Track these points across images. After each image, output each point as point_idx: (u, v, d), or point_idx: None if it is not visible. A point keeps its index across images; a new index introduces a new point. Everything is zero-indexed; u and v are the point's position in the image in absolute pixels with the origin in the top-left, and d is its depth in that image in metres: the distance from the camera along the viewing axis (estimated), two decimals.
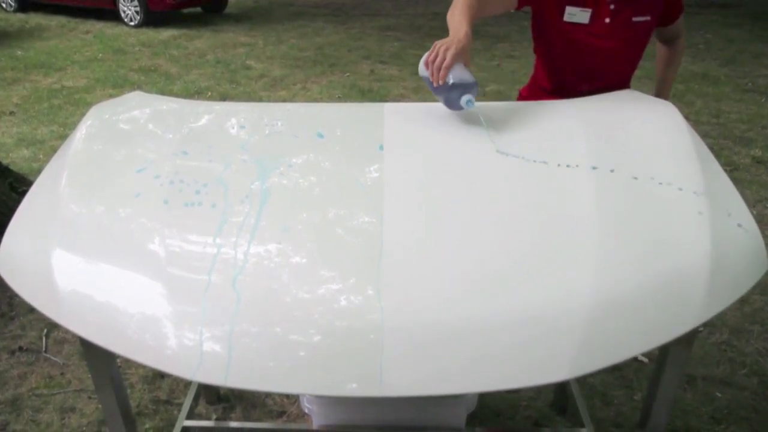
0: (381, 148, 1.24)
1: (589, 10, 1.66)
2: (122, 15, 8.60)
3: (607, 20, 1.67)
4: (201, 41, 7.64)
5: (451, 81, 1.27)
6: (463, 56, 1.31)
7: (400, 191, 1.13)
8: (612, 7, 1.66)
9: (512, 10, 1.75)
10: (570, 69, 1.80)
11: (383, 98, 5.26)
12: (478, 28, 8.25)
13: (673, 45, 1.89)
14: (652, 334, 0.95)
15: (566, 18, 1.68)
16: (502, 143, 1.27)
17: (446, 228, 1.06)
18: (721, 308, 1.00)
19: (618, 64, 1.77)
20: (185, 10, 9.36)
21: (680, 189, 1.13)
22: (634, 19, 1.68)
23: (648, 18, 1.70)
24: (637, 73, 1.83)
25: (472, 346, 0.91)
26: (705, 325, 2.32)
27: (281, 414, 1.99)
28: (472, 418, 1.81)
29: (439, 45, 1.31)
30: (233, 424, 1.90)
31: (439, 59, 1.29)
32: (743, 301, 2.50)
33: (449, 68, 1.28)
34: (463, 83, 1.27)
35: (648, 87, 1.88)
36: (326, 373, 0.90)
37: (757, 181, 3.64)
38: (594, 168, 1.17)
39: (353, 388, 0.89)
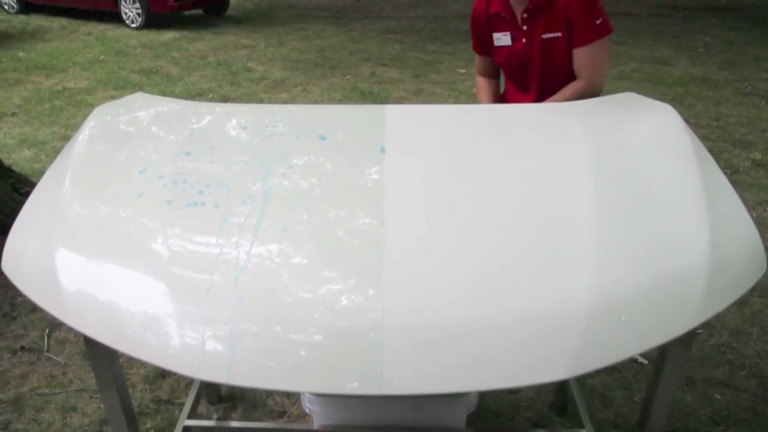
0: (382, 150, 1.25)
1: (508, 33, 1.84)
2: (124, 17, 8.62)
3: (524, 40, 1.83)
4: (202, 43, 7.66)
5: None
6: None
7: (401, 192, 1.14)
8: (524, 27, 1.80)
9: (494, 60, 1.98)
10: (517, 85, 1.97)
11: (384, 100, 5.27)
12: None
13: (575, 81, 1.82)
14: (650, 334, 0.95)
15: (495, 43, 1.90)
16: (502, 144, 1.28)
17: (447, 228, 1.06)
18: (719, 309, 1.01)
19: (557, 79, 1.85)
20: (186, 12, 9.38)
21: (679, 190, 1.14)
22: (544, 36, 1.78)
23: (558, 34, 1.77)
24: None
25: (471, 345, 0.91)
26: (704, 326, 2.32)
27: (282, 414, 2.00)
28: (472, 419, 1.82)
29: None
30: (234, 423, 1.91)
31: None
32: (743, 303, 2.51)
33: None
34: None
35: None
36: (327, 372, 0.90)
37: (757, 184, 3.65)
38: (593, 169, 1.18)
39: (354, 386, 0.89)
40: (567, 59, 1.80)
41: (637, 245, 1.04)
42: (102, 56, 6.94)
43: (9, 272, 1.11)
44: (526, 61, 1.86)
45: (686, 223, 1.07)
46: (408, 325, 0.93)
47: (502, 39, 1.88)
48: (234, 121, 1.38)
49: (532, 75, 1.89)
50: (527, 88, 1.93)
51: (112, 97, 5.10)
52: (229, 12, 9.84)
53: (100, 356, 1.15)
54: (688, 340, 1.11)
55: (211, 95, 5.52)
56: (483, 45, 1.98)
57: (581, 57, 1.78)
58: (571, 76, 1.83)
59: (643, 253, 1.03)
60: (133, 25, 8.56)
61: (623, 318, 0.95)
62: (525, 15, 1.79)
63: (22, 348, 2.30)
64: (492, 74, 2.07)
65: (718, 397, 2.05)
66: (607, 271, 0.99)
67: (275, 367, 0.91)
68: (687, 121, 1.34)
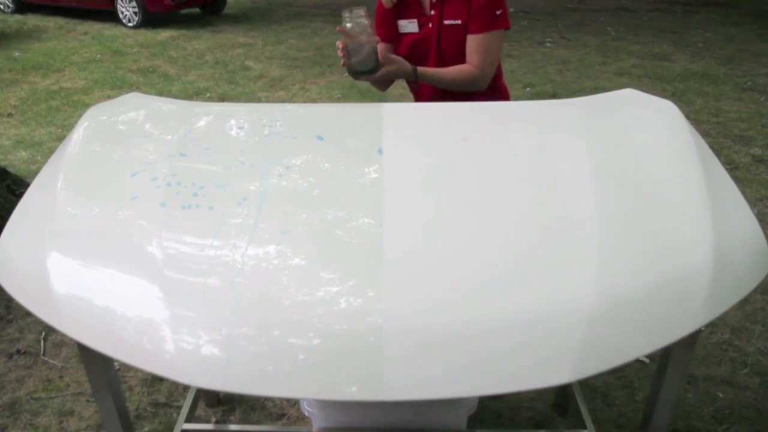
0: (380, 151, 1.23)
1: (415, 20, 1.81)
2: (120, 16, 8.59)
3: (430, 25, 1.79)
4: (199, 42, 7.63)
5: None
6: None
7: (399, 193, 1.12)
8: (432, 12, 1.77)
9: (396, 50, 1.92)
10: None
11: (382, 99, 5.23)
12: None
13: (464, 65, 1.81)
14: (655, 335, 0.94)
15: (400, 30, 1.87)
16: (502, 143, 1.26)
17: (447, 230, 1.05)
18: (724, 309, 0.99)
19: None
20: (183, 11, 9.35)
21: (682, 188, 1.12)
22: (446, 22, 1.76)
23: (459, 21, 1.75)
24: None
25: (473, 348, 0.90)
26: (706, 324, 2.30)
27: (281, 416, 1.98)
28: (473, 420, 1.80)
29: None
30: (232, 427, 1.89)
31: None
32: (744, 300, 2.48)
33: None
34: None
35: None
36: (326, 377, 0.89)
37: (757, 179, 3.63)
38: (595, 168, 1.16)
39: (353, 391, 0.88)
40: (462, 49, 1.79)
41: (640, 245, 1.02)
42: (99, 56, 6.91)
43: (0, 276, 1.09)
44: (428, 47, 1.84)
45: (689, 223, 1.06)
46: (408, 328, 0.91)
47: (408, 26, 1.85)
48: (231, 121, 1.36)
49: (428, 65, 1.85)
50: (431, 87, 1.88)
51: (109, 97, 5.07)
52: (226, 10, 9.81)
53: (94, 361, 1.13)
54: (692, 340, 1.09)
55: (208, 94, 5.49)
56: (386, 32, 1.90)
57: (474, 43, 1.77)
58: None
59: (646, 254, 1.01)
60: (130, 24, 8.53)
61: (626, 319, 0.93)
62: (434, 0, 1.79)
63: (18, 352, 2.28)
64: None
65: (721, 395, 2.03)
66: (610, 272, 0.97)
67: (273, 372, 0.89)
68: (687, 117, 1.32)
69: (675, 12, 9.19)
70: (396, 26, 1.87)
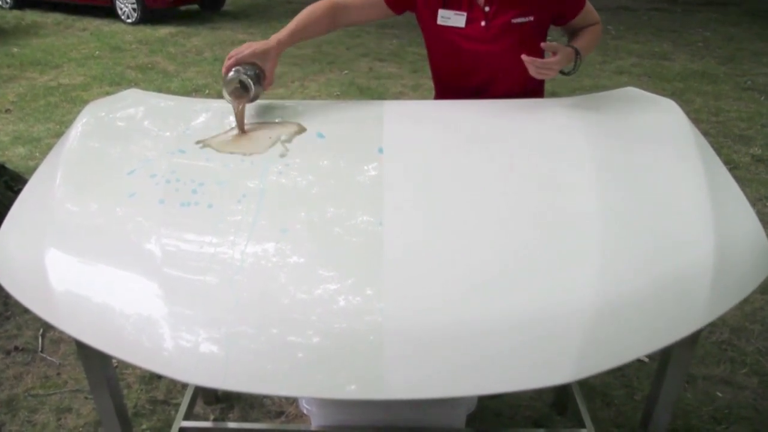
0: (380, 150, 1.22)
1: (464, 14, 1.54)
2: (119, 12, 8.57)
3: (483, 23, 1.54)
4: (198, 39, 7.62)
5: (229, 75, 1.32)
6: (261, 57, 1.40)
7: (399, 191, 1.12)
8: (487, 9, 1.53)
9: (394, 15, 1.68)
10: (451, 75, 1.67)
11: (382, 96, 5.24)
12: None
13: (588, 27, 1.65)
14: (656, 335, 0.94)
15: (439, 21, 1.57)
16: (502, 142, 1.25)
17: (447, 228, 1.04)
18: (725, 309, 0.99)
19: (508, 70, 1.57)
20: (182, 8, 9.33)
21: (683, 188, 1.12)
22: (514, 20, 1.52)
23: (531, 18, 1.53)
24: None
25: (473, 348, 0.89)
26: (706, 324, 2.31)
27: (279, 414, 1.98)
28: (472, 419, 1.80)
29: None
30: (231, 424, 1.89)
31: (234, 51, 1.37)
32: (744, 300, 2.47)
33: (234, 59, 1.34)
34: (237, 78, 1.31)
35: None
36: (325, 376, 0.88)
37: (757, 179, 3.63)
38: (597, 167, 1.15)
39: (353, 390, 0.87)
40: (530, 48, 1.48)
41: (642, 245, 1.02)
42: (97, 52, 6.89)
43: None
44: (478, 47, 1.56)
45: (691, 223, 1.05)
46: (408, 327, 0.91)
47: (452, 18, 1.55)
48: (230, 118, 1.35)
49: (477, 65, 1.58)
50: (469, 82, 1.62)
51: (108, 94, 5.05)
52: (225, 7, 9.79)
53: (92, 358, 1.13)
54: (692, 339, 1.09)
55: (207, 91, 5.48)
56: (404, 1, 1.61)
57: (582, 17, 1.60)
58: (520, 78, 1.53)
59: (647, 254, 1.00)
60: (129, 21, 8.51)
61: (627, 319, 0.93)
62: None
63: (16, 348, 2.27)
64: (351, 17, 1.65)
65: (720, 395, 2.03)
66: (610, 272, 0.97)
67: (272, 370, 0.89)
68: (686, 116, 1.32)
69: (675, 11, 9.19)
70: (435, 13, 1.56)
